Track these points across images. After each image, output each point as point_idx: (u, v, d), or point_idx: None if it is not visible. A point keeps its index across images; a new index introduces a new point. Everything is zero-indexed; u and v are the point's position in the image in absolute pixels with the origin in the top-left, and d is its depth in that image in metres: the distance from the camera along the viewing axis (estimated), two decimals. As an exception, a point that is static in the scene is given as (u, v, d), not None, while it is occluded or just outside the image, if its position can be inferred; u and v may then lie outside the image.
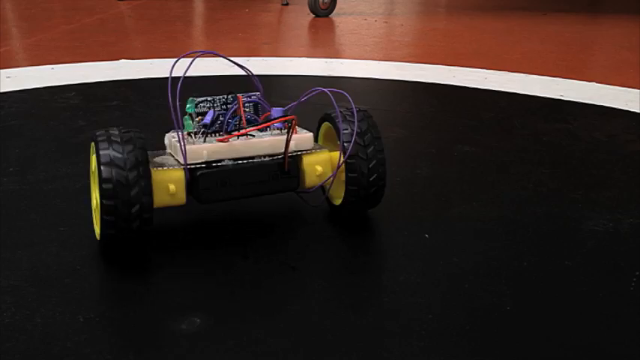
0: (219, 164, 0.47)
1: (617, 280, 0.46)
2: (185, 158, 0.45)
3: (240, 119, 0.49)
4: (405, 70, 1.10)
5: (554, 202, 0.58)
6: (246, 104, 0.52)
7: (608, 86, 1.01)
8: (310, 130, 0.51)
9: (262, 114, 0.52)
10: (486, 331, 0.40)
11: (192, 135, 0.48)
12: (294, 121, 0.47)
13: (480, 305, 0.42)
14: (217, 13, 1.81)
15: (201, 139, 0.47)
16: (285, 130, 0.49)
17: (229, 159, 0.47)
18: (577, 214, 0.56)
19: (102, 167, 0.42)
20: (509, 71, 1.10)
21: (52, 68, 1.07)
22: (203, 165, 0.46)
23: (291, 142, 0.48)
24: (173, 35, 1.42)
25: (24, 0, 1.99)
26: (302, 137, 0.50)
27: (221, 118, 0.50)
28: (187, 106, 0.50)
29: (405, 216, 0.55)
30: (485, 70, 1.10)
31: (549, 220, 0.55)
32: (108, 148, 0.43)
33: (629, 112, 0.87)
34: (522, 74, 1.08)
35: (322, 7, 1.71)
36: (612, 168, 0.67)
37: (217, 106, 0.51)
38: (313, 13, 1.71)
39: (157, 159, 0.49)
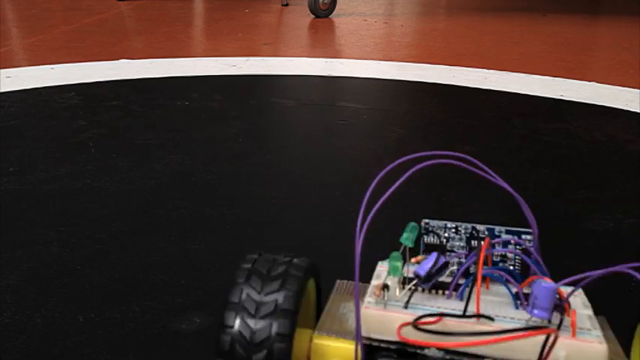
0: (418, 351, 0.27)
1: (617, 280, 0.46)
2: (359, 328, 0.27)
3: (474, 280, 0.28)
4: (404, 70, 1.10)
5: (554, 202, 0.58)
6: (499, 256, 0.31)
7: (607, 86, 1.01)
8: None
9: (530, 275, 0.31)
10: (486, 331, 0.40)
11: (399, 285, 0.29)
12: (553, 336, 0.25)
13: (480, 305, 0.42)
14: (217, 13, 1.81)
15: (404, 300, 0.28)
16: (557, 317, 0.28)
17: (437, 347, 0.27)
18: (577, 214, 0.56)
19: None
20: (509, 71, 1.10)
21: (52, 68, 1.07)
22: (390, 346, 0.28)
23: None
24: (173, 35, 1.42)
25: (24, 0, 1.99)
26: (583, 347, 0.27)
27: (451, 268, 0.29)
28: (404, 234, 0.30)
29: (405, 216, 0.55)
30: (485, 70, 1.10)
31: (549, 220, 0.55)
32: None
33: (629, 112, 0.87)
34: (522, 74, 1.08)
35: (322, 7, 1.71)
36: (612, 168, 0.67)
37: (460, 239, 0.32)
38: (313, 13, 1.71)
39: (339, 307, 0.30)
